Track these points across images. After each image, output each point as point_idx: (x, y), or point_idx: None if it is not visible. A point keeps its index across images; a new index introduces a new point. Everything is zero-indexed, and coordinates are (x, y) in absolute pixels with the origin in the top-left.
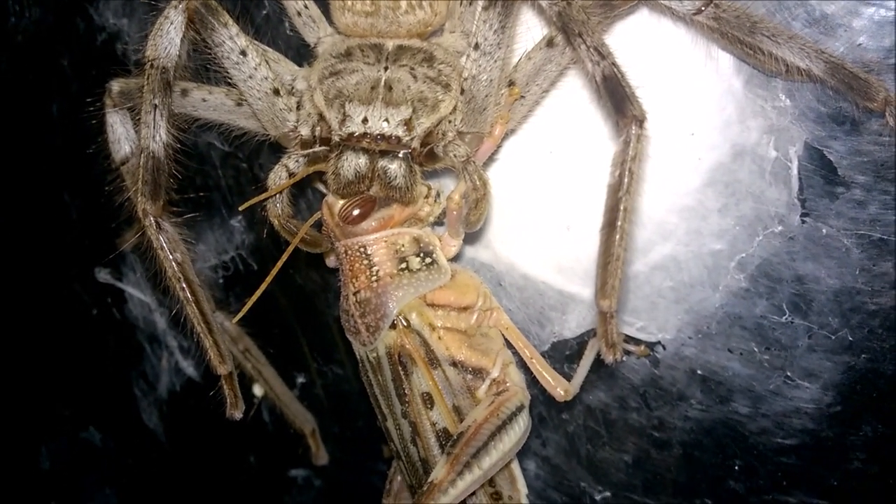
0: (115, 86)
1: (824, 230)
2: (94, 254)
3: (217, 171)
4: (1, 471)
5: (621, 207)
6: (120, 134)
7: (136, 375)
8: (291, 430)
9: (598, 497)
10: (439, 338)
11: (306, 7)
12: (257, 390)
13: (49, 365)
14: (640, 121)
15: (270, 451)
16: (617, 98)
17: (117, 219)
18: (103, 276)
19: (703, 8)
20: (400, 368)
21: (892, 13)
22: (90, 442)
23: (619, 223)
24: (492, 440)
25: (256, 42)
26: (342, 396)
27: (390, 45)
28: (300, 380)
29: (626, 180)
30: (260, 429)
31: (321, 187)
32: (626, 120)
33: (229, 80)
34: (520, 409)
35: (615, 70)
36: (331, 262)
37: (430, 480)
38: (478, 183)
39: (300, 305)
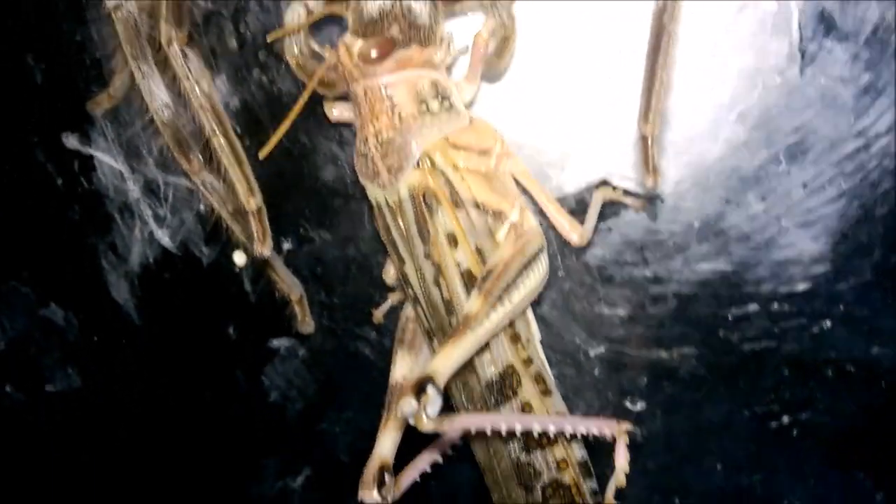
0: None
1: (822, 80)
2: (60, 120)
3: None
4: None
5: (666, 31)
6: None
7: (105, 248)
8: (277, 297)
9: (592, 353)
10: (462, 178)
11: None
12: (238, 259)
13: (5, 239)
14: None
15: (251, 321)
16: None
17: (87, 80)
18: (71, 141)
19: None
20: (424, 208)
21: None
22: (51, 320)
23: (663, 46)
24: (519, 277)
25: None
26: (329, 263)
27: None
28: (286, 246)
29: (668, 23)
30: (241, 299)
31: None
32: None
33: None
34: (540, 250)
35: None
36: (334, 113)
37: (465, 313)
38: (507, 20)
39: (287, 169)
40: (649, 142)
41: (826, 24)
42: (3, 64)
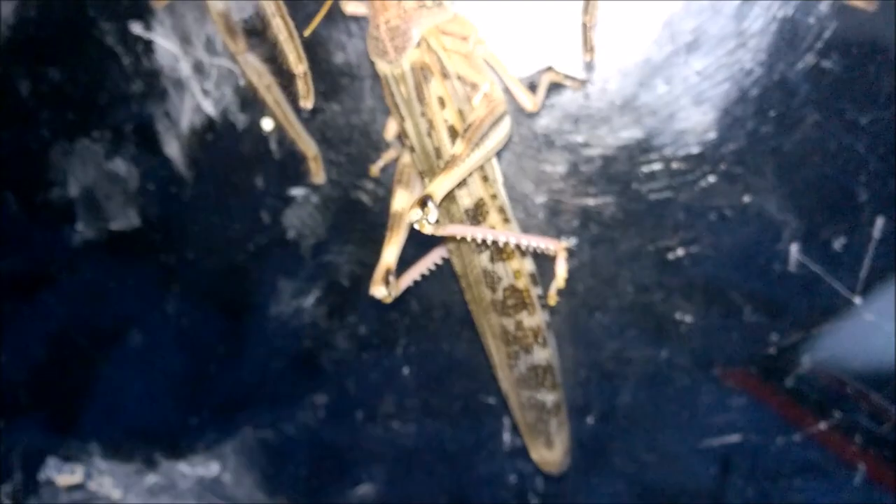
0: None
1: None
2: (128, 11)
3: None
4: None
5: None
6: None
7: (160, 114)
8: (296, 155)
9: (537, 201)
10: (449, 57)
11: None
12: (266, 124)
13: (82, 108)
14: None
15: (275, 174)
16: None
17: None
18: (136, 28)
19: None
20: (421, 78)
21: None
22: (115, 172)
23: None
24: (490, 130)
25: None
26: (337, 128)
27: None
28: (304, 115)
29: None
30: (267, 156)
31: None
32: None
33: None
34: (505, 113)
35: None
36: (348, 9)
37: (451, 153)
38: None
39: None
40: (588, 28)
41: None
42: None
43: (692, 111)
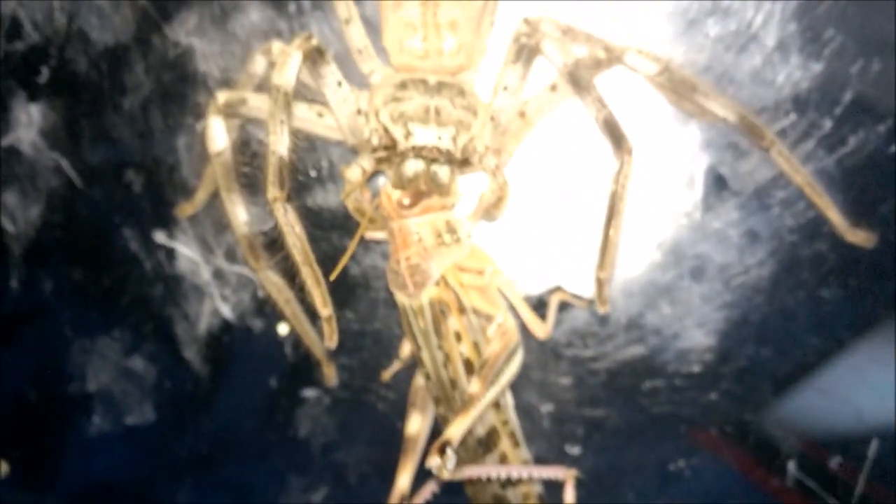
0: (221, 97)
1: (716, 224)
2: (152, 220)
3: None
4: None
5: (616, 208)
6: (217, 133)
7: (180, 317)
8: (309, 358)
9: (543, 410)
10: (466, 292)
11: (366, 47)
12: (282, 329)
13: (104, 308)
14: (630, 151)
15: (289, 376)
16: (615, 136)
17: (174, 191)
18: (159, 237)
19: (662, 71)
20: (439, 314)
21: None
22: (133, 369)
23: (614, 219)
24: (504, 365)
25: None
26: (350, 335)
27: (432, 79)
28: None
29: (620, 190)
30: (282, 359)
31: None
32: (622, 151)
33: (315, 100)
34: (518, 344)
35: (613, 115)
36: (371, 236)
37: (469, 393)
38: (503, 186)
39: (328, 267)
40: (602, 282)
41: (720, 183)
42: (109, 178)
43: (695, 332)
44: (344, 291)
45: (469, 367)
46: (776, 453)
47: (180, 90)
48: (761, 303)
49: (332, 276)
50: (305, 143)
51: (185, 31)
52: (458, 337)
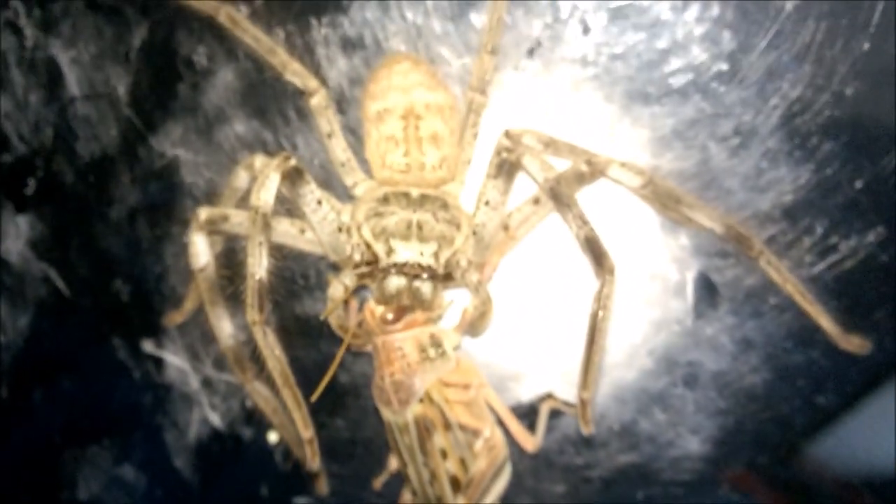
0: (203, 214)
1: (708, 330)
2: (140, 329)
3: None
4: None
5: (599, 329)
6: (200, 249)
7: (169, 425)
8: (301, 465)
9: None
10: (451, 408)
11: (349, 160)
12: (272, 437)
13: (94, 417)
14: (612, 270)
15: (280, 484)
16: (596, 254)
17: (162, 301)
18: (147, 346)
19: (645, 184)
20: (424, 431)
21: None
22: (122, 477)
23: (597, 340)
24: (491, 482)
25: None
26: (341, 443)
27: (415, 193)
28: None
29: (602, 311)
30: (272, 467)
31: None
32: (603, 270)
33: (296, 215)
34: (506, 458)
35: (594, 233)
36: (359, 348)
37: None
38: (486, 301)
39: (318, 378)
40: (585, 403)
41: (711, 291)
42: (97, 287)
43: (688, 440)
44: (334, 399)
45: (456, 485)
46: None
47: (167, 200)
48: (757, 409)
49: (314, 398)
50: (293, 251)
51: (171, 142)
52: (444, 454)
